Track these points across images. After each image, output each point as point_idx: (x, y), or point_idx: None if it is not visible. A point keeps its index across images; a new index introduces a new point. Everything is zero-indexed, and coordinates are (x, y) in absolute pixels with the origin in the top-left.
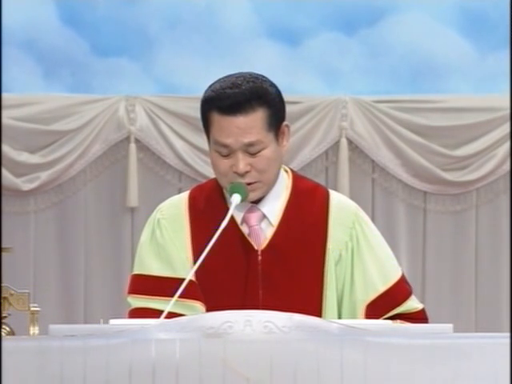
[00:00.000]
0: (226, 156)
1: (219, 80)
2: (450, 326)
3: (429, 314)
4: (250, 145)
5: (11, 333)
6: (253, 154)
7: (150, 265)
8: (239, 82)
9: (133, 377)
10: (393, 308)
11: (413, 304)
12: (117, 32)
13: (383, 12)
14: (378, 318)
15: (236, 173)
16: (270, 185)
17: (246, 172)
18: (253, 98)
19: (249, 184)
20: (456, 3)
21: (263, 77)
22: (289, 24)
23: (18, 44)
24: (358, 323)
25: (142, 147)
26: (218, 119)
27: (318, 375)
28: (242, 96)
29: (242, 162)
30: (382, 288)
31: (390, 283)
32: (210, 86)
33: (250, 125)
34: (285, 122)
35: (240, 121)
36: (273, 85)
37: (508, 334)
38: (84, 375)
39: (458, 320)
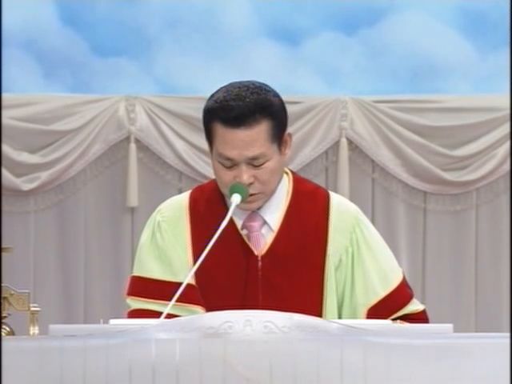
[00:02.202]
0: (230, 168)
1: (222, 89)
2: (450, 326)
3: (429, 313)
4: (254, 158)
5: (11, 333)
6: (256, 166)
7: (150, 267)
8: (243, 94)
9: (133, 377)
10: (393, 313)
11: (414, 307)
12: (117, 32)
13: (383, 12)
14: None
15: None
16: (271, 194)
17: (250, 183)
18: (257, 110)
19: (251, 195)
20: (456, 3)
21: (266, 86)
22: (289, 24)
23: (18, 44)
24: (358, 323)
25: (142, 147)
26: (221, 131)
27: (317, 375)
28: (246, 108)
29: (246, 174)
30: (382, 293)
31: (391, 288)
32: (213, 96)
33: (253, 138)
34: (287, 132)
35: (244, 134)
36: (276, 95)
37: (508, 334)
38: (84, 375)
39: (458, 320)
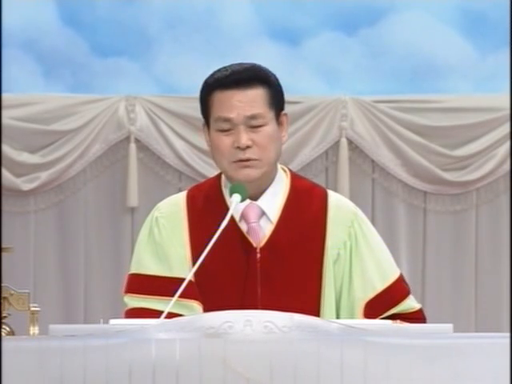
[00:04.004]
0: (228, 132)
1: (221, 68)
2: (450, 325)
3: (429, 314)
4: (253, 117)
5: (11, 333)
6: (254, 128)
7: (147, 264)
8: (239, 65)
9: (133, 377)
10: (391, 307)
11: (411, 303)
12: (117, 32)
13: (383, 12)
14: (376, 316)
15: (238, 148)
16: (270, 165)
17: (248, 147)
18: (255, 75)
19: (248, 160)
20: (456, 3)
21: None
22: (289, 24)
23: (18, 44)
24: (357, 323)
25: (142, 147)
26: (219, 96)
27: (317, 375)
28: (245, 72)
29: (244, 136)
30: (380, 287)
31: (389, 282)
32: (212, 74)
33: (251, 98)
34: (284, 112)
35: (242, 94)
36: (273, 74)
37: (508, 334)
38: (84, 375)
39: (458, 320)
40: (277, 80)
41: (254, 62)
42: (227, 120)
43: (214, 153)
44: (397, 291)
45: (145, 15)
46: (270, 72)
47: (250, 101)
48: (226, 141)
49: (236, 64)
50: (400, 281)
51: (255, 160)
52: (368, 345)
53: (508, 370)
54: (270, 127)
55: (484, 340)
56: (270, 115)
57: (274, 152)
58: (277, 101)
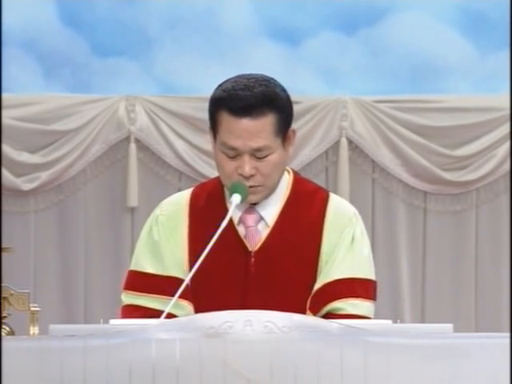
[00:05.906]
0: (233, 158)
1: (230, 80)
2: (450, 325)
3: (429, 313)
4: (258, 150)
5: (11, 333)
6: (259, 158)
7: (144, 262)
8: (251, 85)
9: (133, 377)
10: (331, 301)
11: (354, 309)
12: (117, 32)
13: (383, 12)
14: (316, 309)
15: (241, 175)
16: (272, 189)
17: (251, 175)
18: (264, 102)
19: (251, 187)
20: (456, 3)
21: (274, 80)
22: (289, 24)
23: (18, 44)
24: (358, 323)
25: (142, 147)
26: (227, 120)
27: (317, 375)
28: (254, 99)
29: (248, 166)
30: (333, 278)
31: (344, 276)
32: (221, 85)
33: (259, 129)
34: (291, 128)
35: (250, 124)
36: (284, 89)
37: (508, 334)
38: (84, 375)
39: (458, 320)
40: (287, 98)
41: (266, 78)
42: (233, 148)
43: (217, 168)
44: (345, 288)
45: (145, 15)
46: (281, 92)
47: (257, 131)
48: (230, 165)
49: (247, 80)
50: (360, 283)
51: (257, 186)
52: (368, 345)
53: (508, 370)
54: (276, 155)
55: (484, 340)
56: (276, 143)
57: (277, 177)
58: (285, 123)
